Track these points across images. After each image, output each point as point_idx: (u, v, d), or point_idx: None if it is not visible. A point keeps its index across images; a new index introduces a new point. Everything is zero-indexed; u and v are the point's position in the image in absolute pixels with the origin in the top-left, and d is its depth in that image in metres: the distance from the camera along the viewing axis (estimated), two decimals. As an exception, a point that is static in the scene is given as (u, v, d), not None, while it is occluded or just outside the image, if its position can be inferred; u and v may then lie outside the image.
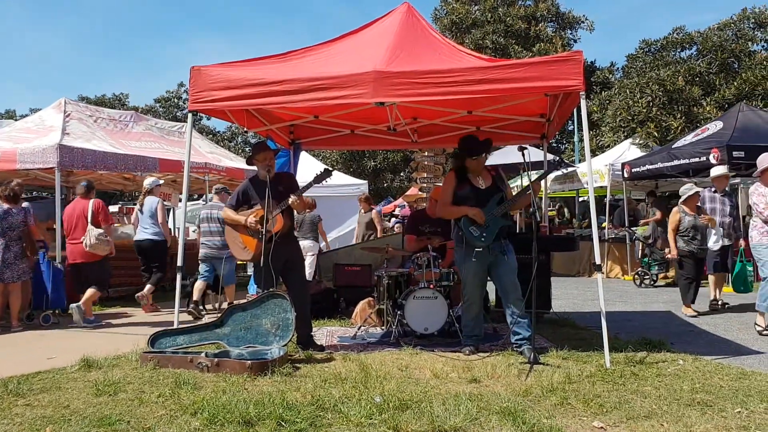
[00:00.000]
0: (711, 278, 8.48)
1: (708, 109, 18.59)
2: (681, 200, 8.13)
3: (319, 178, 5.78)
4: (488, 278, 5.73)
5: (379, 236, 11.60)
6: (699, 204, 8.23)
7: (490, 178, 5.72)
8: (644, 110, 18.78)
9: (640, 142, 16.46)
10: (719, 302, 8.39)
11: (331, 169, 6.05)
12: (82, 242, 7.63)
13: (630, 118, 19.04)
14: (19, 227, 7.42)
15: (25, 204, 7.64)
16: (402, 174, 29.14)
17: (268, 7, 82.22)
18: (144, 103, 43.72)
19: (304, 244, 10.72)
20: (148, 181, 9.05)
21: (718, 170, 8.64)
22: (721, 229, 8.14)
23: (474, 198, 5.58)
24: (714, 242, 7.96)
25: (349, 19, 74.44)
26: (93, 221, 7.69)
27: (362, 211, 12.33)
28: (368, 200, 12.43)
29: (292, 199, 5.64)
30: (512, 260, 5.61)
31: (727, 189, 8.67)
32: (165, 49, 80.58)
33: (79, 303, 7.50)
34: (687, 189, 8.12)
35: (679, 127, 18.29)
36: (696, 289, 8.07)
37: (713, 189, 8.56)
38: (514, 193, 5.88)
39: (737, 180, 11.40)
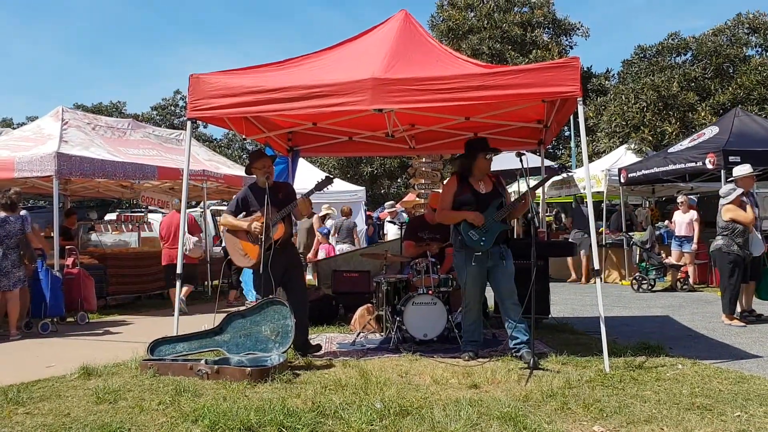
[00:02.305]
0: (743, 286, 7.66)
1: (703, 114, 18.68)
2: (726, 202, 7.51)
3: (321, 186, 5.81)
4: (487, 283, 5.74)
5: (314, 247, 10.86)
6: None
7: (491, 183, 5.75)
8: (638, 116, 18.87)
9: (635, 147, 16.53)
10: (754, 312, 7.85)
11: (332, 176, 6.08)
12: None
13: (624, 123, 19.12)
14: (16, 235, 7.41)
15: (23, 212, 7.63)
16: (399, 180, 29.18)
17: (260, 16, 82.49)
18: (141, 110, 43.77)
19: (342, 247, 11.43)
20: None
21: (744, 169, 7.67)
22: (758, 233, 7.57)
23: (475, 202, 5.60)
24: (757, 247, 7.49)
25: (340, 26, 74.69)
26: (188, 231, 9.12)
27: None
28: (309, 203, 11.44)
29: (300, 198, 5.71)
30: (510, 266, 5.63)
31: (751, 190, 7.93)
32: (159, 58, 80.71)
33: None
34: (730, 190, 7.49)
35: (674, 133, 18.38)
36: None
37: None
38: (512, 199, 5.90)
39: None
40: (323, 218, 12.91)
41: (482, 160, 5.67)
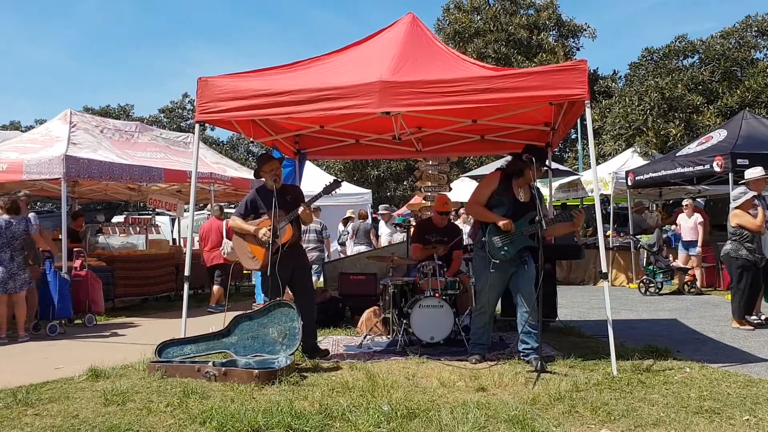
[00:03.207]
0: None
1: (708, 116, 18.63)
2: (735, 205, 7.41)
3: (329, 189, 5.81)
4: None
5: None
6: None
7: (529, 194, 5.64)
8: (641, 118, 18.85)
9: (641, 150, 16.50)
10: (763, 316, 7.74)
11: (340, 180, 6.08)
12: (220, 250, 9.72)
13: (628, 125, 19.10)
14: (21, 237, 7.42)
15: (31, 215, 7.65)
16: (405, 183, 29.21)
17: (264, 17, 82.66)
18: (149, 113, 43.90)
19: (360, 249, 11.89)
20: None
21: (755, 171, 7.52)
22: None
23: (510, 208, 5.52)
24: None
25: (346, 29, 74.74)
26: (227, 236, 9.66)
27: None
28: None
29: (302, 208, 5.68)
30: (531, 269, 5.57)
31: (763, 192, 7.71)
32: (166, 60, 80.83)
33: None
34: (741, 193, 7.40)
35: (678, 135, 18.33)
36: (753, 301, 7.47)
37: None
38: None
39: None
40: (346, 221, 13.24)
41: (534, 170, 5.49)
